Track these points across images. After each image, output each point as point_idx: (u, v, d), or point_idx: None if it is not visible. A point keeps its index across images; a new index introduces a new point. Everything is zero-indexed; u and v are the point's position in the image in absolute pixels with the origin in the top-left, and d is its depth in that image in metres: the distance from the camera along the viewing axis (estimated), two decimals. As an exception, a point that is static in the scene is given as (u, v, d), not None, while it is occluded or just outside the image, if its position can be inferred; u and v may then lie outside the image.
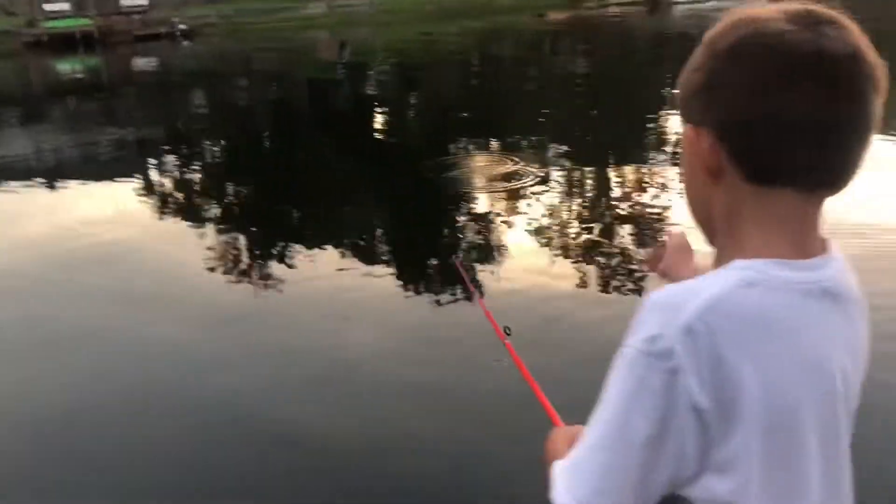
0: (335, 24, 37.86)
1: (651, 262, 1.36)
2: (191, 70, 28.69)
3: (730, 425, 0.80)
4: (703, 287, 0.82)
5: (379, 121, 14.63)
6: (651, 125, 11.42)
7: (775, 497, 0.83)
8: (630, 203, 7.41)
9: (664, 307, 0.82)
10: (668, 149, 9.37)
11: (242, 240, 7.37)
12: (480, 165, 9.27)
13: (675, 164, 8.04)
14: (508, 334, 1.99)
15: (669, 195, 7.28)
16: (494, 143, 10.65)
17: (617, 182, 8.53)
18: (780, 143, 0.81)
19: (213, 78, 24.60)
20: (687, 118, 0.90)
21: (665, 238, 1.34)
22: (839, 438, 0.87)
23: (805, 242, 0.87)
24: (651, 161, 8.97)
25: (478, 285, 5.34)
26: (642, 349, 0.81)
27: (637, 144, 10.08)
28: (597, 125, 12.28)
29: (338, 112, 15.90)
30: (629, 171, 8.83)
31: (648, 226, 6.69)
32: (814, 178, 0.84)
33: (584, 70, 20.78)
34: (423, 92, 18.29)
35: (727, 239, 0.89)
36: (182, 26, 42.90)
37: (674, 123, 10.46)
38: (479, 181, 8.50)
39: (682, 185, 0.95)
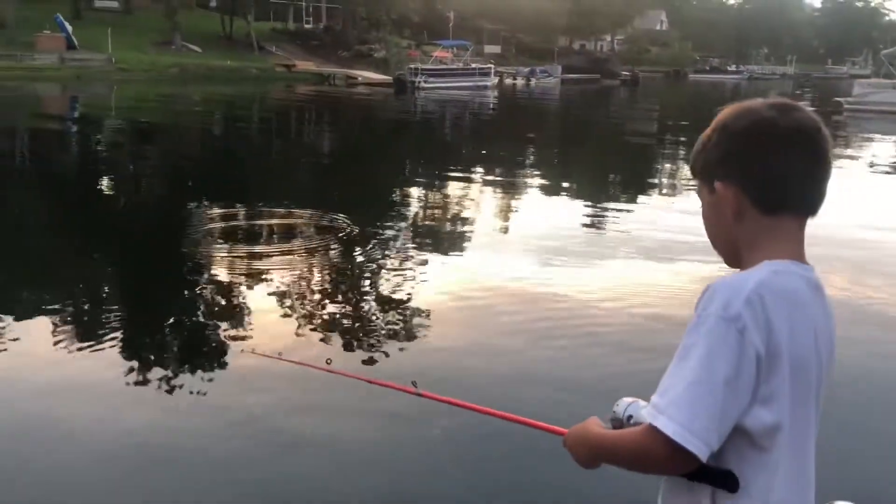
0: (66, 78, 35.14)
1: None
2: None
3: (772, 368, 1.15)
4: (750, 275, 1.20)
5: (103, 182, 13.59)
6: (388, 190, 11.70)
7: (799, 422, 1.21)
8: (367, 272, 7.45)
9: (729, 287, 1.17)
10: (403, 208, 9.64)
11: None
12: (217, 226, 8.89)
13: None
14: (416, 387, 2.11)
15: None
16: (235, 204, 10.29)
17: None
18: (782, 185, 1.24)
19: None
20: (710, 178, 1.29)
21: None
22: (819, 387, 1.25)
23: (801, 253, 1.27)
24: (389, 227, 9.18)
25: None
26: (721, 315, 1.14)
27: (376, 207, 10.28)
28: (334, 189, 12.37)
29: (62, 169, 14.58)
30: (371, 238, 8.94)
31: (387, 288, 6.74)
32: (807, 205, 1.27)
33: (318, 138, 21.06)
34: (154, 150, 17.37)
35: (751, 255, 1.27)
36: None
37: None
38: (214, 244, 8.12)
39: (708, 232, 1.36)
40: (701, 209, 1.35)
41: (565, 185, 14.30)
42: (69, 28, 39.73)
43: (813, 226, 1.31)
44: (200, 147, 18.99)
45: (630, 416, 1.32)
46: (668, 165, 18.29)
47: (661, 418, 1.15)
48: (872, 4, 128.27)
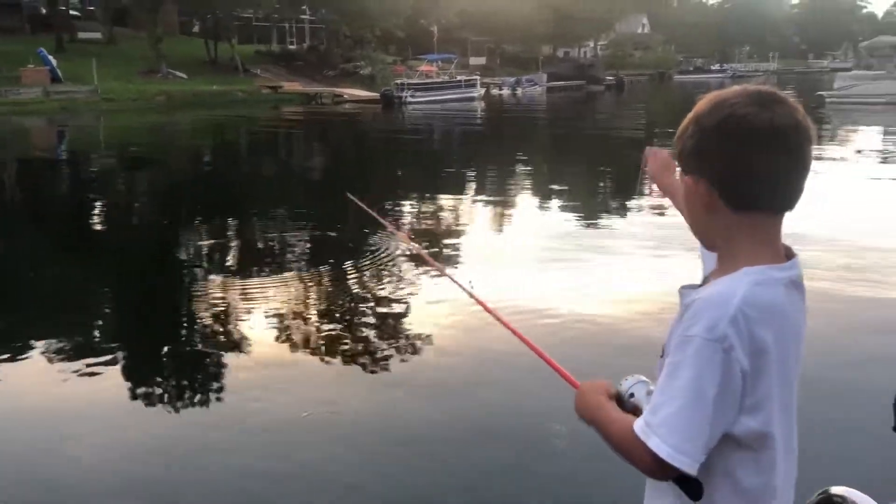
0: (52, 111, 35.13)
1: (644, 165, 1.85)
2: None
3: (757, 379, 1.18)
4: (732, 290, 1.19)
5: (96, 212, 13.58)
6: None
7: (785, 425, 1.24)
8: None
9: (713, 307, 1.18)
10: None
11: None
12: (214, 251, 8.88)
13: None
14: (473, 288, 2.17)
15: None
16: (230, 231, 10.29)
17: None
18: (754, 186, 1.22)
19: None
20: (686, 170, 1.29)
21: (650, 153, 1.84)
22: (794, 379, 1.27)
23: (779, 249, 1.27)
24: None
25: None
26: (706, 337, 1.17)
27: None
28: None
29: (54, 204, 14.56)
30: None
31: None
32: (779, 203, 1.25)
33: (309, 157, 21.06)
34: (147, 180, 17.37)
35: (727, 251, 1.28)
36: None
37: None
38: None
39: (685, 216, 1.37)
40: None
41: (559, 194, 14.34)
42: (53, 61, 39.66)
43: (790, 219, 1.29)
44: (192, 175, 18.98)
45: (632, 395, 1.38)
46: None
47: (654, 439, 1.19)
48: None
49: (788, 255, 1.29)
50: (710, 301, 1.20)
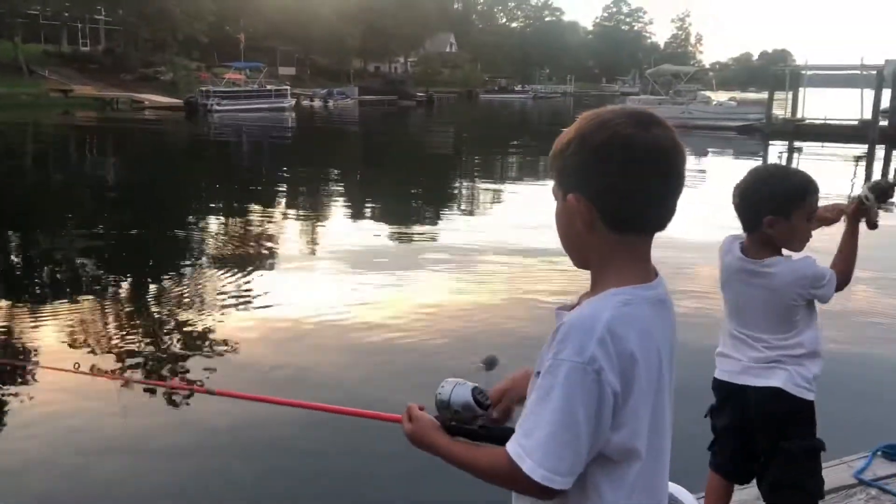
0: None
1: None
2: None
3: (627, 395, 1.20)
4: (599, 312, 1.20)
5: None
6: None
7: (655, 433, 1.26)
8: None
9: (581, 330, 1.19)
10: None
11: None
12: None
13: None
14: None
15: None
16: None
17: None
18: (634, 205, 1.23)
19: None
20: (565, 187, 1.27)
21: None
22: (665, 393, 1.28)
23: (648, 269, 1.29)
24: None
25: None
26: (575, 360, 1.18)
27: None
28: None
29: None
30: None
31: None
32: (654, 224, 1.27)
33: (99, 167, 19.71)
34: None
35: (601, 269, 1.29)
36: None
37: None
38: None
39: (558, 232, 1.32)
40: (555, 208, 1.32)
41: (381, 204, 14.29)
42: None
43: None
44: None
45: (458, 404, 1.37)
46: (465, 181, 18.89)
47: (529, 462, 1.20)
48: (636, 28, 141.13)
49: (655, 273, 1.31)
50: (578, 324, 1.21)
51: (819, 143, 28.94)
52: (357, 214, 13.22)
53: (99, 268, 8.68)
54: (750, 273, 2.44)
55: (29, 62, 46.71)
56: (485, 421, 1.39)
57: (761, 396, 2.44)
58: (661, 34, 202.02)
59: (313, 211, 13.61)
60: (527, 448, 1.21)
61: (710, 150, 27.43)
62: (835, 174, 19.00)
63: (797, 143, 29.11)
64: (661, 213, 1.27)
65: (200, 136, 31.51)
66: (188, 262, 8.96)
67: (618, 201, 1.24)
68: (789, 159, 25.75)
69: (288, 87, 51.21)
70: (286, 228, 11.81)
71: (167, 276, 8.14)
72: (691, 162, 22.63)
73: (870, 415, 4.78)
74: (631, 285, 1.26)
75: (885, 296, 7.79)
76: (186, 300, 7.28)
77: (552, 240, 1.36)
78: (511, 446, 1.24)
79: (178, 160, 22.85)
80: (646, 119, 1.24)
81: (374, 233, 11.32)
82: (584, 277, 1.31)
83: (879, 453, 3.36)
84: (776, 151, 27.75)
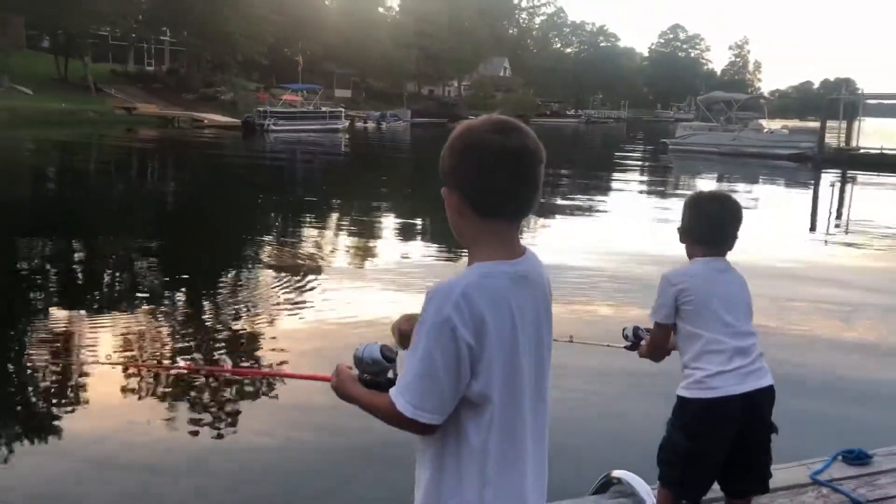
0: None
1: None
2: None
3: (482, 350, 1.46)
4: (459, 280, 1.47)
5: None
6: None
7: (510, 383, 1.50)
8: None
9: (441, 294, 1.46)
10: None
11: None
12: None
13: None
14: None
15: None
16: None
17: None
18: (496, 198, 1.50)
19: None
20: (444, 183, 1.54)
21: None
22: (537, 355, 1.57)
23: (513, 249, 1.55)
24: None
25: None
26: (435, 319, 1.45)
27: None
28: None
29: None
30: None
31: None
32: (512, 212, 1.53)
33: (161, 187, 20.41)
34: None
35: (472, 249, 1.56)
36: None
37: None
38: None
39: (450, 225, 1.57)
40: None
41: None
42: None
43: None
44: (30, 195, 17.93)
45: (369, 359, 1.65)
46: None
47: (401, 400, 1.49)
48: (693, 55, 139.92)
49: (521, 253, 1.58)
50: (439, 290, 1.48)
51: (875, 173, 28.41)
52: (408, 234, 13.55)
53: (163, 276, 9.11)
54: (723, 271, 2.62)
55: (97, 81, 48.60)
56: (393, 374, 1.65)
57: (768, 396, 2.55)
58: (718, 61, 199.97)
59: (363, 228, 13.99)
60: (400, 389, 1.50)
61: (761, 176, 27.18)
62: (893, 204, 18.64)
63: (851, 172, 28.62)
64: (517, 203, 1.53)
65: (256, 153, 32.40)
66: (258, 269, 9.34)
67: (478, 194, 1.51)
68: (842, 189, 25.39)
69: (342, 109, 52.18)
70: (340, 242, 12.22)
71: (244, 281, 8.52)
72: (742, 189, 22.52)
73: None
74: (494, 261, 1.52)
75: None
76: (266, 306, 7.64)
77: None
78: (392, 390, 1.53)
79: (234, 175, 23.58)
80: (506, 126, 1.51)
81: (424, 251, 11.62)
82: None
83: (840, 458, 3.42)
84: (829, 180, 27.32)
